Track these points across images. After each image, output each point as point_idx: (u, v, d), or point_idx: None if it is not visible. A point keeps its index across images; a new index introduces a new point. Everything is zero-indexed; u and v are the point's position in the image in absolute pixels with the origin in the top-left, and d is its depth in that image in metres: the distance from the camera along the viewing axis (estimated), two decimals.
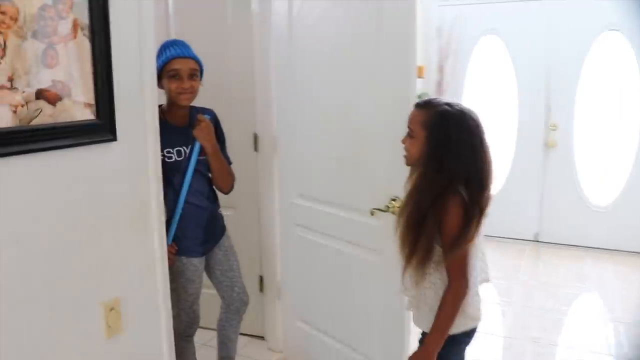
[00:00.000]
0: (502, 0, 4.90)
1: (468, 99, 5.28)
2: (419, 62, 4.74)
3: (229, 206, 2.91)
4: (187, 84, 2.05)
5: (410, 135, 1.66)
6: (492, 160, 1.61)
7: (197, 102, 2.30)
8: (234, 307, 2.35)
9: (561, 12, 4.73)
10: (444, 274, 1.63)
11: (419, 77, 4.73)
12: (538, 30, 4.83)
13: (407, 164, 1.71)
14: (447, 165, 1.56)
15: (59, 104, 1.47)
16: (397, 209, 1.87)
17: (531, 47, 4.87)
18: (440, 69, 5.20)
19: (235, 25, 2.80)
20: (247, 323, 2.92)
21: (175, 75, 2.05)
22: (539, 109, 4.93)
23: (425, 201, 1.58)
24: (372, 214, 2.15)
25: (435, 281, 1.65)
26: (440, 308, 1.60)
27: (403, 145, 1.70)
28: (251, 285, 2.97)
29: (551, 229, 5.01)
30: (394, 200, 2.03)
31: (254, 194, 2.92)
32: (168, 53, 2.05)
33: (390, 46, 2.05)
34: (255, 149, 2.86)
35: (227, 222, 2.89)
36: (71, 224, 1.57)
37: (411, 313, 1.81)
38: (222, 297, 2.35)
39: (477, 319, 1.68)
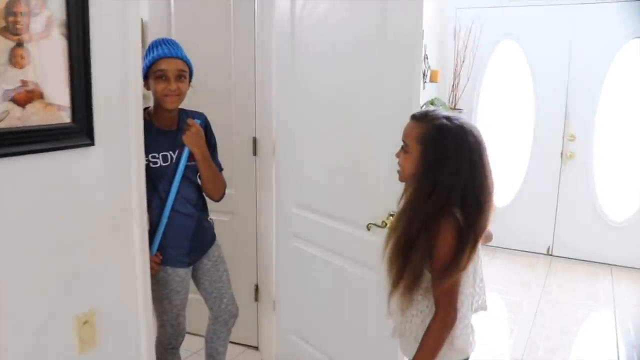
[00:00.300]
0: (522, 5, 4.73)
1: (483, 104, 5.13)
2: (434, 66, 4.65)
3: (227, 211, 2.83)
4: (173, 86, 1.95)
5: (404, 149, 1.54)
6: (493, 181, 1.47)
7: (196, 104, 2.22)
8: (222, 319, 2.25)
9: (585, 18, 4.55)
10: (433, 301, 1.50)
11: (433, 81, 4.61)
12: (559, 36, 4.65)
13: (401, 180, 1.58)
14: (442, 184, 1.43)
15: (28, 107, 1.38)
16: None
17: (551, 53, 4.70)
18: (456, 73, 5.05)
19: (236, 27, 2.70)
20: (242, 332, 2.87)
21: (162, 76, 1.94)
22: (557, 118, 4.76)
23: (416, 222, 1.45)
24: (368, 228, 2.04)
25: (423, 309, 1.53)
26: (424, 338, 1.48)
27: (391, 171, 1.58)
28: (246, 294, 2.90)
29: (565, 243, 4.84)
30: (392, 215, 1.91)
31: (252, 199, 2.82)
32: (155, 52, 1.94)
33: (394, 51, 1.93)
34: (254, 153, 2.76)
35: (224, 228, 2.81)
36: (43, 233, 1.48)
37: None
38: (210, 309, 2.26)
39: (466, 353, 1.55)
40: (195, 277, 2.20)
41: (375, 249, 1.95)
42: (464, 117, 1.50)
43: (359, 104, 2.11)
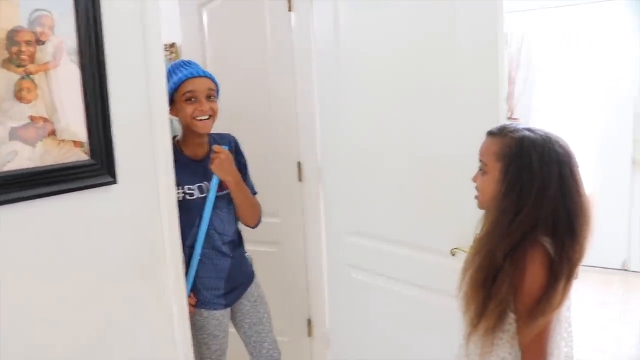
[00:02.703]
0: (582, 2, 4.40)
1: (541, 111, 4.80)
2: None
3: (273, 242, 2.66)
4: (205, 106, 1.79)
5: (482, 170, 1.32)
6: (588, 200, 1.23)
7: (235, 128, 2.07)
8: None
9: None
10: (517, 348, 1.26)
11: None
12: (623, 34, 4.30)
13: (480, 207, 1.36)
14: (528, 205, 1.20)
15: (39, 145, 1.23)
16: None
17: (617, 51, 4.34)
18: (511, 80, 4.75)
19: (273, 45, 2.53)
20: None
21: (191, 98, 1.78)
22: (625, 120, 4.38)
23: (498, 253, 1.22)
24: (452, 254, 1.83)
25: (505, 356, 1.28)
26: None
27: (474, 185, 1.36)
28: (299, 329, 2.71)
29: None
30: None
31: (299, 228, 2.63)
32: (180, 74, 1.79)
33: (470, 58, 1.75)
34: (300, 178, 2.57)
35: (271, 259, 2.64)
36: (65, 285, 1.33)
37: None
38: (251, 354, 2.07)
39: None
40: (234, 319, 2.03)
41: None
42: (547, 129, 1.27)
43: (428, 120, 1.91)
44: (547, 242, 1.20)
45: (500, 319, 1.24)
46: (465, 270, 1.32)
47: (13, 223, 1.21)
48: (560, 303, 1.19)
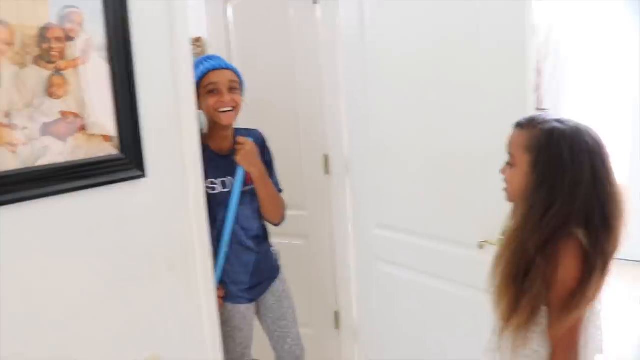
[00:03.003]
0: None
1: (570, 102, 4.69)
2: None
3: (300, 235, 2.66)
4: (227, 97, 1.79)
5: (511, 163, 1.29)
6: (621, 191, 1.20)
7: (261, 122, 2.07)
8: None
9: None
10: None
11: None
12: None
13: (509, 200, 1.33)
14: (560, 199, 1.18)
15: (70, 140, 1.25)
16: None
17: None
18: (539, 71, 4.65)
19: (299, 38, 2.52)
20: None
21: (214, 90, 1.79)
22: None
23: (530, 247, 1.20)
24: (480, 247, 1.81)
25: (538, 349, 1.26)
26: None
27: (502, 177, 1.34)
28: (326, 321, 2.71)
29: None
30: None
31: (326, 221, 2.62)
32: (202, 67, 1.80)
33: (496, 52, 1.72)
34: (327, 171, 2.57)
35: (298, 252, 2.65)
36: (94, 276, 1.35)
37: None
38: (274, 349, 2.08)
39: None
40: (258, 314, 2.04)
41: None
42: (577, 120, 1.24)
43: (454, 112, 1.89)
44: (580, 235, 1.18)
45: (533, 313, 1.22)
46: (496, 265, 1.30)
47: (45, 217, 1.24)
48: (594, 295, 1.17)
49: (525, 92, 1.69)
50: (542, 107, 4.66)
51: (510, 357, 1.30)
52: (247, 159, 1.80)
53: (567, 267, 1.17)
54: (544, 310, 1.23)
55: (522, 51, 1.67)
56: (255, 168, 1.82)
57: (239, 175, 1.82)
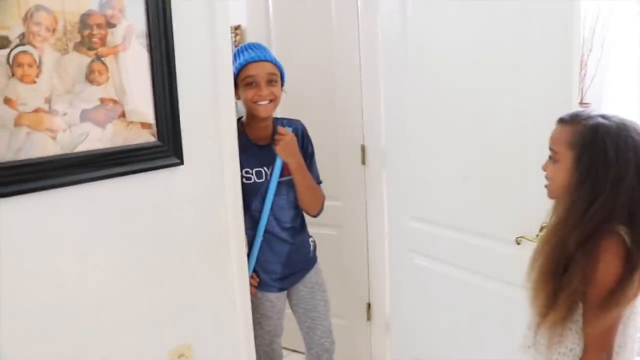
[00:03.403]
0: None
1: (615, 97, 4.54)
2: None
3: (334, 225, 2.64)
4: (265, 91, 1.76)
5: (553, 159, 1.26)
6: None
7: (299, 112, 2.05)
8: (313, 352, 2.05)
9: None
10: None
11: None
12: None
13: (551, 197, 1.30)
14: (604, 195, 1.15)
15: (109, 126, 1.26)
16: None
17: None
18: (583, 64, 4.50)
19: (339, 29, 2.49)
20: (354, 353, 2.70)
21: (252, 83, 1.77)
22: None
23: (570, 242, 1.18)
24: (517, 242, 1.76)
25: (574, 347, 1.24)
26: None
27: (544, 173, 1.31)
28: (358, 313, 2.70)
29: None
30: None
31: (362, 212, 2.60)
32: (242, 58, 1.77)
33: (540, 44, 1.65)
34: (363, 162, 2.54)
35: (332, 242, 2.63)
36: (131, 262, 1.37)
37: None
38: (304, 339, 2.07)
39: None
40: (290, 303, 2.03)
41: (526, 264, 1.70)
42: (621, 115, 1.20)
43: (495, 106, 1.84)
44: (623, 232, 1.15)
45: (570, 310, 1.20)
46: (534, 259, 1.28)
47: (83, 203, 1.25)
48: (635, 295, 1.14)
49: (571, 86, 1.62)
50: (585, 102, 4.53)
51: (546, 354, 1.29)
52: (286, 149, 1.78)
53: (608, 264, 1.14)
54: (581, 308, 1.21)
55: (569, 43, 1.61)
56: (294, 159, 1.81)
57: (277, 165, 1.81)
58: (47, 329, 1.21)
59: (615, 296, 1.13)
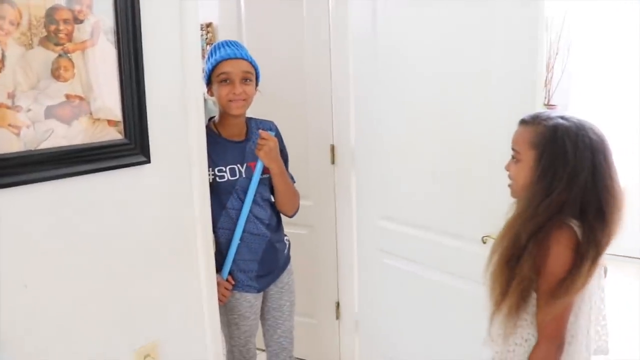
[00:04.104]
0: None
1: (579, 99, 4.65)
2: None
3: (305, 224, 2.64)
4: (238, 89, 1.76)
5: (515, 158, 1.32)
6: (620, 187, 1.24)
7: (269, 111, 2.05)
8: (271, 349, 2.06)
9: None
10: None
11: None
12: None
13: (513, 196, 1.36)
14: (558, 189, 1.21)
15: (75, 123, 1.24)
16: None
17: None
18: (549, 67, 4.60)
19: (310, 30, 2.50)
20: (323, 352, 2.73)
21: (226, 80, 1.76)
22: None
23: (523, 234, 1.24)
24: (483, 242, 1.81)
25: (529, 338, 1.30)
26: None
27: (507, 173, 1.35)
28: (327, 312, 2.71)
29: None
30: None
31: (331, 211, 2.61)
32: (217, 55, 1.77)
33: (506, 47, 1.70)
34: (333, 161, 2.55)
35: (302, 242, 2.64)
36: (95, 262, 1.35)
37: None
38: (263, 336, 2.07)
39: None
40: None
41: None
42: (580, 116, 1.25)
43: (462, 107, 1.88)
44: (575, 225, 1.21)
45: (522, 297, 1.26)
46: (492, 252, 1.34)
47: (47, 201, 1.23)
48: (584, 284, 1.20)
49: (535, 89, 1.68)
50: (551, 104, 4.62)
51: (502, 345, 1.34)
52: (269, 155, 1.78)
53: (559, 254, 1.21)
54: (534, 298, 1.26)
55: (534, 47, 1.66)
56: (276, 164, 1.81)
57: (258, 168, 1.81)
58: (7, 331, 1.19)
59: (564, 285, 1.20)
